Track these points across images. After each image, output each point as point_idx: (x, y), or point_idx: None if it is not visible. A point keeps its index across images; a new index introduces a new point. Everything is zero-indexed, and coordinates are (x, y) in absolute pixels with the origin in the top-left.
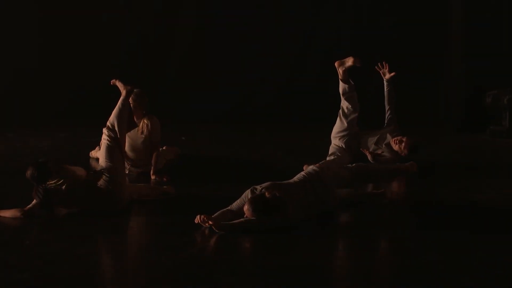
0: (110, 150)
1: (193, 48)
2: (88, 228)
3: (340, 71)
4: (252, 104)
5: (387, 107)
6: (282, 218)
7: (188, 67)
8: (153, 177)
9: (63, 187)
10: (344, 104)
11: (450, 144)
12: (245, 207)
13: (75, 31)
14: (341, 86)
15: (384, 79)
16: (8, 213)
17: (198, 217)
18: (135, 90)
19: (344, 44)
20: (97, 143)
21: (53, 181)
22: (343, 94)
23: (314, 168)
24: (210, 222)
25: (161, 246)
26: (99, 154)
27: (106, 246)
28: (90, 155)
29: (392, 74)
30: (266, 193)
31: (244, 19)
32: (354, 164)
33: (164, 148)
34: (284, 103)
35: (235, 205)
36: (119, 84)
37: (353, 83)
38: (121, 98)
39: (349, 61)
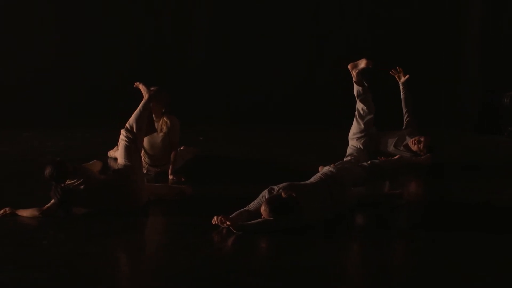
0: (128, 150)
1: (209, 49)
2: (105, 228)
3: (353, 73)
4: (270, 105)
5: (404, 110)
6: (299, 219)
7: (204, 68)
8: (171, 177)
9: (81, 187)
10: (360, 106)
11: (468, 145)
12: (262, 208)
13: (90, 31)
14: (355, 88)
15: (400, 83)
16: (26, 213)
17: (215, 217)
18: (154, 88)
19: (360, 45)
20: (114, 143)
21: (72, 181)
22: (357, 96)
23: (330, 169)
24: (227, 223)
25: (178, 246)
26: (117, 153)
27: (123, 245)
28: (108, 154)
29: (407, 77)
30: (283, 194)
31: (260, 19)
32: (369, 162)
33: (182, 148)
34: (301, 104)
35: (252, 205)
36: (142, 88)
37: (367, 85)
38: (143, 101)
39: (362, 63)
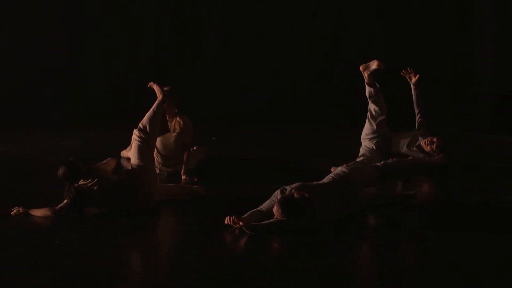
0: (141, 150)
1: (220, 48)
2: (116, 228)
3: (365, 74)
4: (281, 105)
5: (416, 111)
6: (311, 219)
7: (215, 68)
8: (183, 177)
9: (95, 187)
10: (372, 106)
11: (481, 145)
12: (274, 208)
13: (105, 31)
14: (367, 89)
15: (411, 84)
16: (39, 212)
17: (228, 218)
18: (167, 88)
19: (373, 45)
20: (127, 143)
21: (85, 181)
22: (369, 97)
23: (343, 169)
24: (240, 223)
25: (190, 246)
26: (130, 153)
27: (135, 245)
28: (121, 154)
29: (417, 77)
30: (295, 194)
31: (270, 19)
32: (382, 162)
33: (194, 148)
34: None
35: (265, 205)
36: (156, 88)
37: (378, 86)
38: (157, 102)
39: (374, 65)
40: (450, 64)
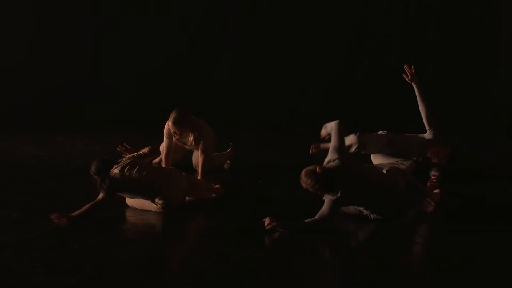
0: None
1: (240, 54)
2: (136, 232)
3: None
4: (300, 110)
5: (422, 114)
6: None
7: (235, 74)
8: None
9: (128, 173)
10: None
11: (499, 150)
12: (302, 180)
13: (125, 37)
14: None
15: (413, 85)
16: (77, 213)
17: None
18: (175, 115)
19: (392, 48)
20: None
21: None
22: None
23: (403, 164)
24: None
25: (209, 251)
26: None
27: (154, 250)
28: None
29: (412, 73)
30: (317, 168)
31: (290, 25)
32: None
33: (228, 150)
34: (331, 109)
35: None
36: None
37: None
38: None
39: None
40: (467, 68)
